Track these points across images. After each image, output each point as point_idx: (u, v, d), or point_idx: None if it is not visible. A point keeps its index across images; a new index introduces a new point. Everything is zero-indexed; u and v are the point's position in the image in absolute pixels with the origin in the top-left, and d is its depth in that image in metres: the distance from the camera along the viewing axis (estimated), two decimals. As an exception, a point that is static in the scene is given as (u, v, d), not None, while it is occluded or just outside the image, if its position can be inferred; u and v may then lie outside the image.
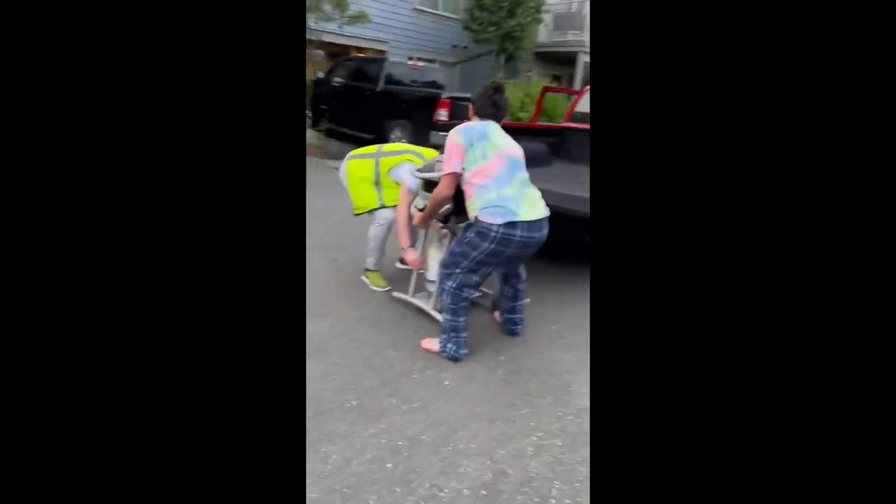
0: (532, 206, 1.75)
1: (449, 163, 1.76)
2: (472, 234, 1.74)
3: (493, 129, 1.83)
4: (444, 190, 1.80)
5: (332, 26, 7.54)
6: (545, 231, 1.78)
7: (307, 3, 6.32)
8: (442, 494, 1.28)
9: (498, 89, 1.88)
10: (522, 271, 2.04)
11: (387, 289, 2.51)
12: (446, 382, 1.80)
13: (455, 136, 1.77)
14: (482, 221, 1.70)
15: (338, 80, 6.98)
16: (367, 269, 2.56)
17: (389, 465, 1.37)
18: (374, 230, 2.46)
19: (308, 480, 1.24)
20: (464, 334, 1.89)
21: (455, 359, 1.90)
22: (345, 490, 1.25)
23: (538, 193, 1.83)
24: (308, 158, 5.53)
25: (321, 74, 7.79)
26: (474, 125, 1.82)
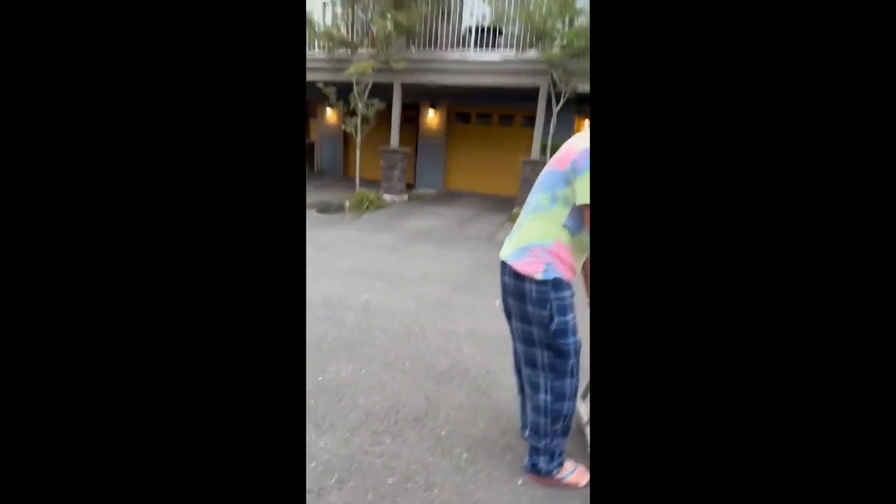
0: (508, 242, 1.49)
1: None
2: None
3: None
4: None
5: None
6: (506, 278, 1.46)
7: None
8: None
9: None
10: (524, 356, 1.50)
11: None
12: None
13: None
14: None
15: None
16: None
17: None
18: None
19: None
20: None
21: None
22: None
23: (522, 225, 1.45)
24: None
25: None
26: None
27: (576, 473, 1.56)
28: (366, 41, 6.98)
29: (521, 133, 8.88)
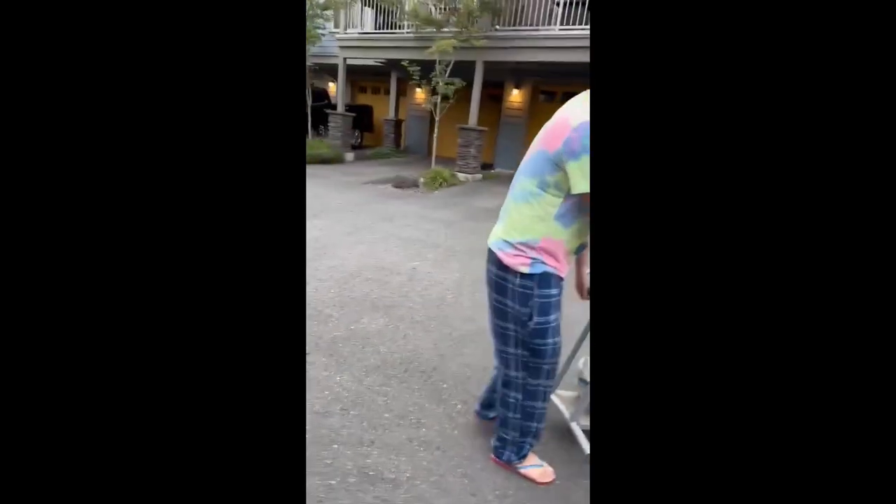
0: (497, 225, 1.36)
1: None
2: None
3: None
4: None
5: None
6: (490, 266, 1.34)
7: None
8: None
9: None
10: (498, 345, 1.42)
11: None
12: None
13: None
14: None
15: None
16: None
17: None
18: None
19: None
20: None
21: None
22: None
23: (509, 210, 1.30)
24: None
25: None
26: None
27: (538, 470, 1.51)
28: (451, 19, 7.08)
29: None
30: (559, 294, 1.29)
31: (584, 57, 6.43)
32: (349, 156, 9.14)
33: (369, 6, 8.69)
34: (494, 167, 9.61)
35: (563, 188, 1.14)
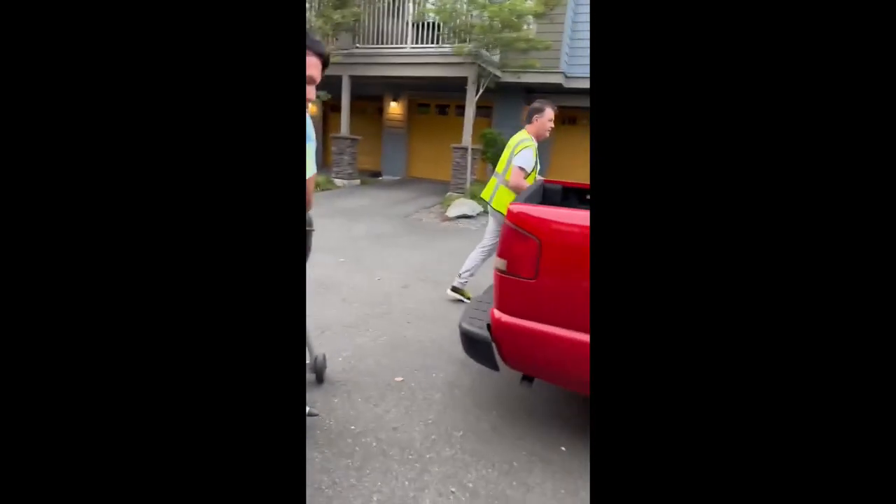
0: None
1: None
2: None
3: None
4: None
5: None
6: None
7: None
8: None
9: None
10: None
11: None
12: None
13: None
14: None
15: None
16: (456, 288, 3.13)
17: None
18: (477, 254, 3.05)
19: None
20: None
21: None
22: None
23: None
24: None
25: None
26: None
27: None
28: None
29: (477, 123, 9.39)
30: None
31: (432, 72, 7.28)
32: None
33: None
34: (382, 174, 10.25)
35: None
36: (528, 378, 1.66)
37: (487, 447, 1.68)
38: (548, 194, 2.58)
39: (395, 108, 10.14)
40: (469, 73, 6.97)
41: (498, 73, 7.43)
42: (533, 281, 1.43)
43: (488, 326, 1.58)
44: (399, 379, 2.12)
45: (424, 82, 8.41)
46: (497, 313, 1.53)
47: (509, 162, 2.80)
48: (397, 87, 9.67)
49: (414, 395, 1.99)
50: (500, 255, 1.49)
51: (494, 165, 7.86)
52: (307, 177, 1.37)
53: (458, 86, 7.53)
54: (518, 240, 1.44)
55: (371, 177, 9.47)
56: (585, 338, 1.38)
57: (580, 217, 1.39)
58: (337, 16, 6.82)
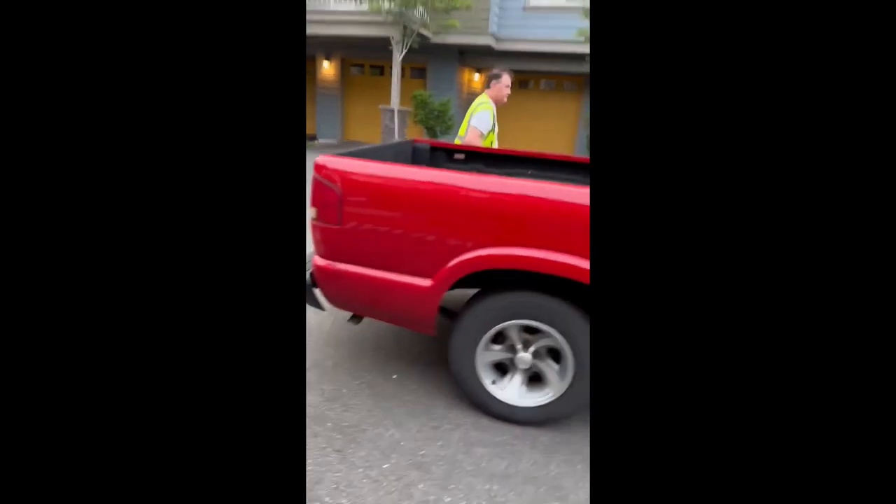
0: None
1: None
2: None
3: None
4: None
5: None
6: None
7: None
8: None
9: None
10: None
11: None
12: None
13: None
14: None
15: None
16: None
17: None
18: None
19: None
20: None
21: None
22: None
23: None
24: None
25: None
26: None
27: None
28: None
29: (411, 84, 9.30)
30: None
31: (361, 31, 7.11)
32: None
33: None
34: (318, 138, 10.04)
35: None
36: (355, 317, 1.85)
37: (323, 377, 1.88)
38: (417, 153, 2.72)
39: (327, 70, 9.84)
40: (393, 32, 6.86)
41: (427, 33, 7.36)
42: (338, 227, 1.59)
43: (311, 273, 1.75)
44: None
45: (353, 42, 8.20)
46: (316, 258, 1.70)
47: (469, 124, 2.87)
48: (328, 46, 9.36)
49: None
50: (311, 204, 1.64)
51: (427, 128, 8.01)
52: None
53: (384, 45, 7.41)
54: (322, 190, 1.59)
55: (309, 140, 9.27)
56: (389, 275, 1.57)
57: (376, 168, 1.55)
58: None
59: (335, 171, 1.57)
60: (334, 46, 9.32)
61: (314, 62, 9.82)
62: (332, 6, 7.20)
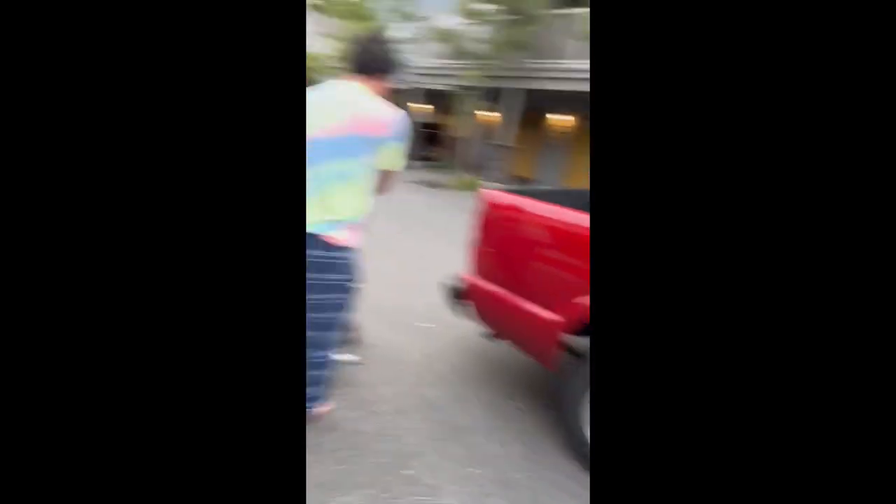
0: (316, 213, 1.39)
1: None
2: None
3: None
4: None
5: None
6: (316, 251, 1.39)
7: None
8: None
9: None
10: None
11: None
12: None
13: None
14: None
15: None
16: None
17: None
18: None
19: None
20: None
21: None
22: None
23: (333, 195, 1.40)
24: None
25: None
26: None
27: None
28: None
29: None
30: None
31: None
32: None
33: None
34: (534, 182, 10.69)
35: (374, 168, 1.43)
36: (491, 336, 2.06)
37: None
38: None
39: (558, 121, 10.44)
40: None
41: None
42: (489, 249, 1.87)
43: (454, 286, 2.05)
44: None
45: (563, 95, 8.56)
46: (467, 276, 2.00)
47: None
48: (570, 100, 9.96)
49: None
50: (475, 227, 1.95)
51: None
52: (394, 170, 1.49)
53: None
54: (483, 216, 1.90)
55: (520, 183, 9.99)
56: (523, 302, 1.75)
57: (521, 202, 1.76)
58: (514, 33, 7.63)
59: (493, 203, 1.89)
60: (575, 100, 9.85)
61: (546, 113, 10.57)
62: (572, 64, 7.75)
